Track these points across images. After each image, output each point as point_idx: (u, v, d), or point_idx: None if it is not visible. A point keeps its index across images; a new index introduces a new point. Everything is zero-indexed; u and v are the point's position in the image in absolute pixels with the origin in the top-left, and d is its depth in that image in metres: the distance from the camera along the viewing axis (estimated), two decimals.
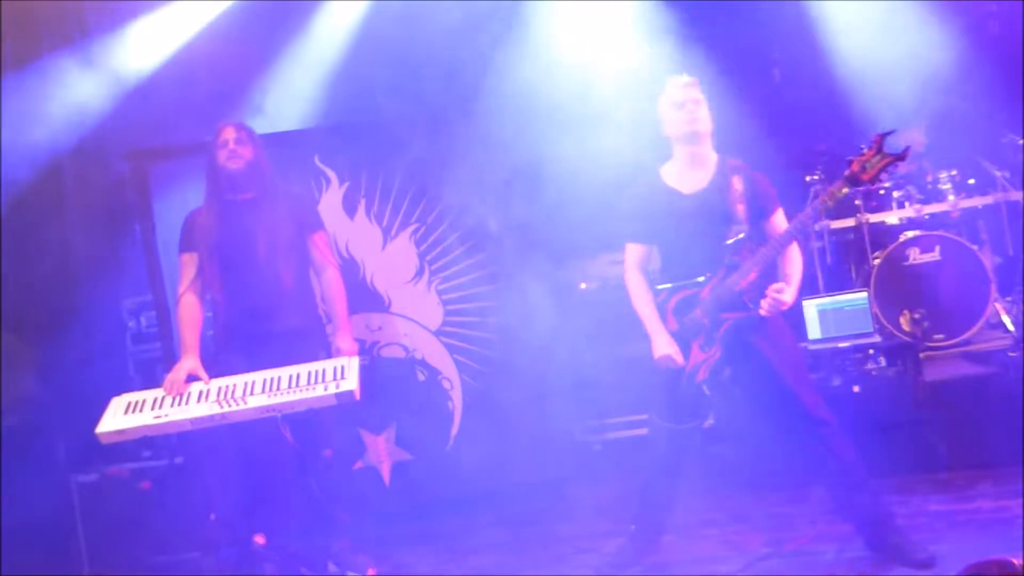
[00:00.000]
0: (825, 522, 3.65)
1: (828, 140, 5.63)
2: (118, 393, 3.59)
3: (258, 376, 3.47)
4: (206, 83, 5.20)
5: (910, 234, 5.21)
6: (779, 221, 3.36)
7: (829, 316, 4.71)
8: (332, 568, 3.88)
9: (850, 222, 5.56)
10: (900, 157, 3.12)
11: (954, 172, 5.41)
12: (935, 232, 5.18)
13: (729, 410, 4.56)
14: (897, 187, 5.45)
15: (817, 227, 5.35)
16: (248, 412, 3.35)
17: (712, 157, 3.40)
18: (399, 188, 4.72)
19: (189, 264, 3.73)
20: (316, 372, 3.46)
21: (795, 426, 3.28)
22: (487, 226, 4.69)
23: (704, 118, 3.34)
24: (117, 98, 5.14)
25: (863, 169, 3.14)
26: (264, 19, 5.38)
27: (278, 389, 3.40)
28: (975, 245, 5.18)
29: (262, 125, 5.20)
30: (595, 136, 4.69)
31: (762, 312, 3.21)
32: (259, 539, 3.73)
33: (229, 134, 3.70)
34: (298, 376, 3.44)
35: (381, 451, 4.67)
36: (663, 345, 3.32)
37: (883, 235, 5.45)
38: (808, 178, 5.62)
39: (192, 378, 3.55)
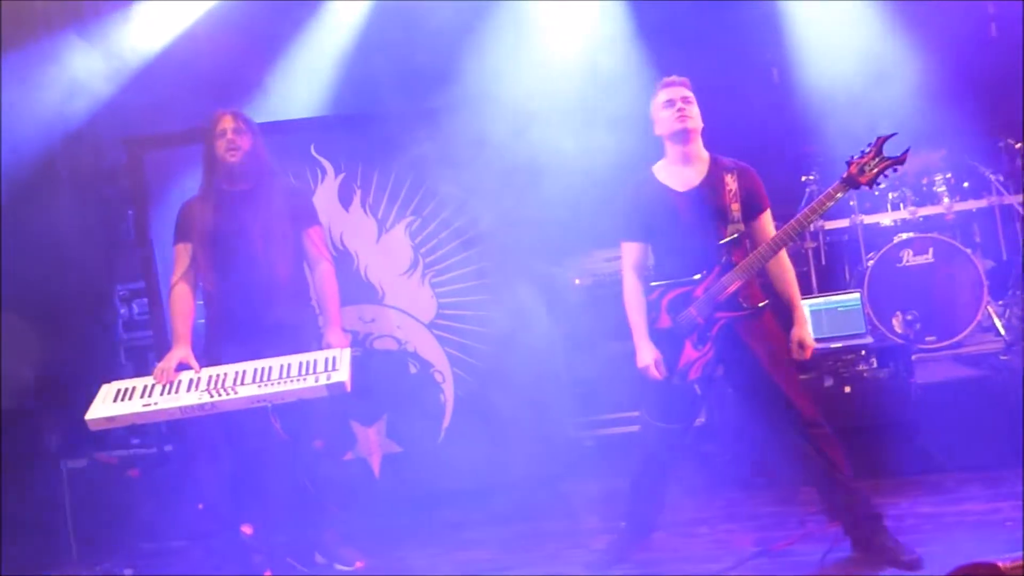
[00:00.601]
0: (814, 522, 3.65)
1: (824, 141, 5.64)
2: (109, 380, 3.57)
3: (249, 366, 3.46)
4: (205, 71, 5.19)
5: (904, 236, 5.22)
6: (766, 222, 3.37)
7: (822, 316, 4.72)
8: (319, 559, 3.88)
9: (844, 223, 5.58)
10: (899, 161, 3.12)
11: (949, 175, 5.42)
12: (929, 234, 5.20)
13: (721, 409, 4.57)
14: (892, 188, 5.46)
15: (811, 227, 5.35)
16: (238, 402, 3.34)
17: (704, 155, 3.41)
18: (395, 180, 4.71)
19: (183, 254, 3.70)
20: (307, 363, 3.45)
21: (786, 426, 3.28)
22: (482, 220, 4.68)
23: (694, 116, 3.35)
24: (114, 84, 5.12)
25: (861, 172, 3.13)
26: (266, 8, 5.36)
27: (269, 379, 3.39)
28: (968, 248, 5.19)
29: (260, 113, 5.22)
30: (591, 133, 4.68)
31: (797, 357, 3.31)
32: (247, 529, 3.73)
33: (227, 123, 3.65)
34: (289, 366, 3.43)
35: (372, 443, 4.67)
36: (646, 355, 3.35)
37: (877, 236, 5.47)
38: (804, 178, 5.63)
39: (183, 367, 3.54)
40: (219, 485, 3.71)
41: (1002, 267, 5.55)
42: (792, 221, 3.20)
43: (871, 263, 5.16)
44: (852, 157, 3.16)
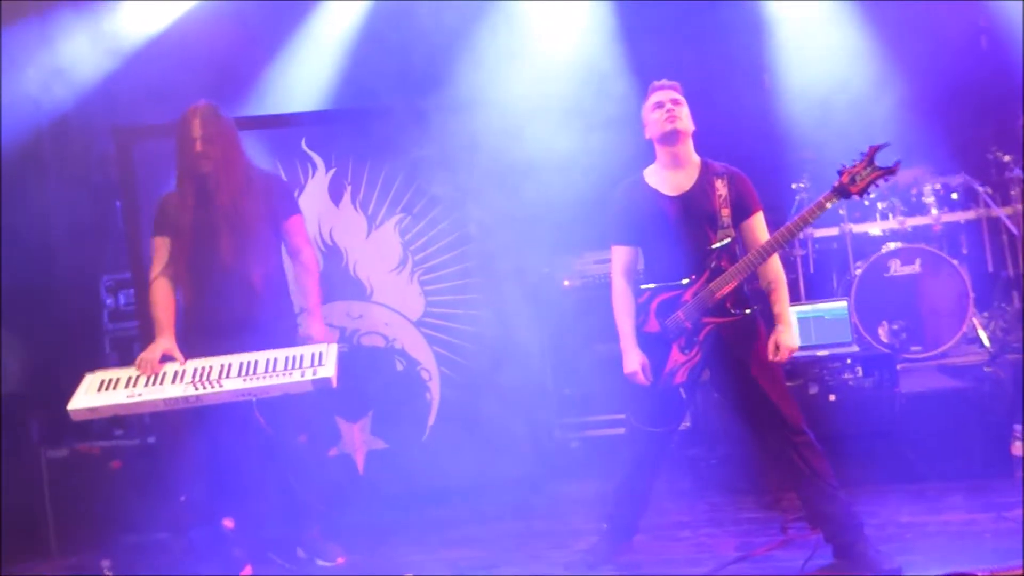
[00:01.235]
0: (796, 529, 3.67)
1: (815, 148, 5.66)
2: (93, 370, 3.55)
3: (234, 359, 3.44)
4: (198, 61, 5.14)
5: (892, 246, 5.25)
6: (757, 223, 3.37)
7: (809, 324, 4.74)
8: (301, 554, 3.86)
9: (833, 231, 5.60)
10: (890, 171, 3.13)
11: (938, 186, 5.46)
12: (917, 245, 5.23)
13: (706, 413, 4.58)
14: (881, 198, 5.49)
15: (800, 235, 5.38)
16: (223, 395, 3.33)
17: (694, 159, 3.41)
18: (386, 177, 4.70)
19: (161, 248, 3.66)
20: (293, 357, 3.44)
21: (770, 433, 3.29)
22: (472, 220, 4.67)
23: (684, 117, 3.35)
24: (105, 70, 5.08)
25: (852, 181, 3.14)
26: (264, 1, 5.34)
27: (254, 373, 3.37)
28: (956, 260, 5.22)
29: (252, 105, 5.20)
30: (583, 135, 4.69)
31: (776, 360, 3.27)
32: (228, 523, 3.71)
33: (196, 130, 3.55)
34: (275, 361, 3.42)
35: (356, 439, 4.65)
36: (632, 362, 3.35)
37: (866, 245, 5.49)
38: (794, 185, 5.65)
39: (167, 358, 3.51)
40: (201, 478, 3.69)
41: (988, 279, 5.59)
42: (782, 229, 3.21)
43: (859, 272, 5.18)
44: (843, 166, 3.17)
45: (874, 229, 5.50)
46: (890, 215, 5.47)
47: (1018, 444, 4.05)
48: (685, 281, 3.31)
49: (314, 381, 3.33)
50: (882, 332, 4.99)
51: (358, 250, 4.71)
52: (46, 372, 4.72)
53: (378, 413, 4.67)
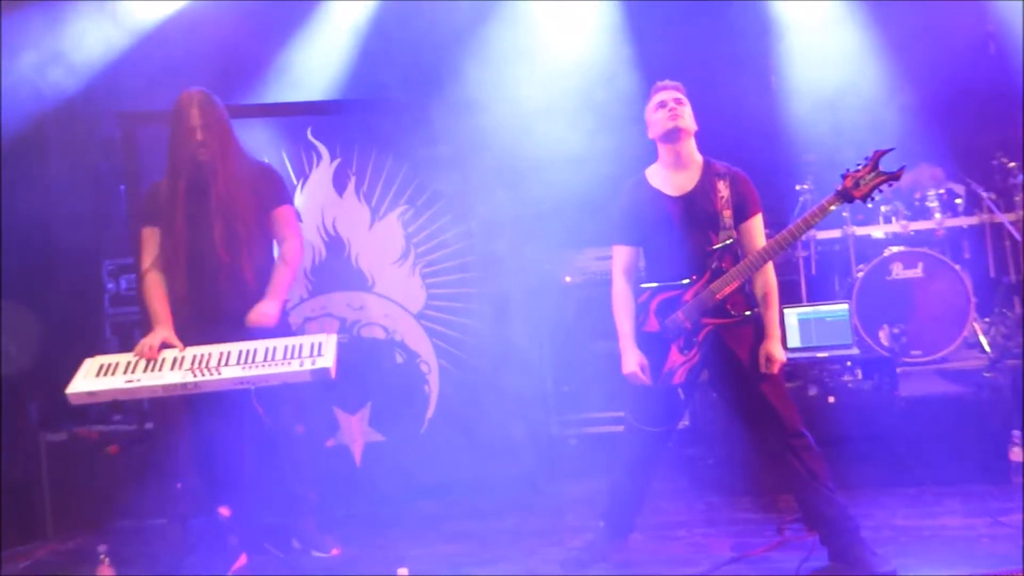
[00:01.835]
0: (792, 530, 3.67)
1: (819, 150, 5.65)
2: (93, 355, 3.54)
3: (234, 347, 3.43)
4: (206, 48, 5.13)
5: (894, 249, 5.25)
6: (755, 226, 3.36)
7: (810, 325, 4.73)
8: (296, 545, 3.87)
9: (836, 233, 5.60)
10: (895, 177, 3.12)
11: (942, 191, 5.45)
12: (919, 249, 5.22)
13: (704, 413, 4.58)
14: (885, 202, 5.48)
15: (803, 237, 5.37)
16: (221, 383, 3.32)
17: (697, 159, 3.40)
18: (390, 169, 4.70)
19: (151, 239, 3.62)
20: (293, 347, 3.43)
21: (768, 435, 3.29)
22: (475, 214, 4.67)
23: (686, 116, 3.34)
24: (112, 57, 5.06)
25: (856, 185, 3.14)
26: None
27: (253, 361, 3.37)
28: (958, 264, 5.22)
29: (259, 92, 5.19)
30: (587, 133, 4.69)
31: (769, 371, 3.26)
32: (224, 511, 3.71)
33: (195, 119, 3.50)
34: (274, 350, 3.41)
35: (354, 431, 4.66)
36: (631, 362, 3.34)
37: (868, 248, 5.49)
38: (798, 187, 5.64)
39: (166, 347, 3.50)
40: (198, 465, 3.69)
41: (990, 284, 5.59)
42: (784, 232, 3.20)
43: (861, 275, 5.18)
44: (848, 170, 3.16)
45: (877, 232, 5.50)
46: (893, 219, 5.46)
47: (1017, 450, 4.05)
48: (686, 281, 3.31)
49: (313, 371, 3.33)
50: (883, 335, 4.99)
51: (360, 241, 4.71)
52: (46, 356, 4.72)
53: (376, 405, 4.67)
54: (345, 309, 4.68)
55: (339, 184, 4.71)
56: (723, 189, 3.32)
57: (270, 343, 3.47)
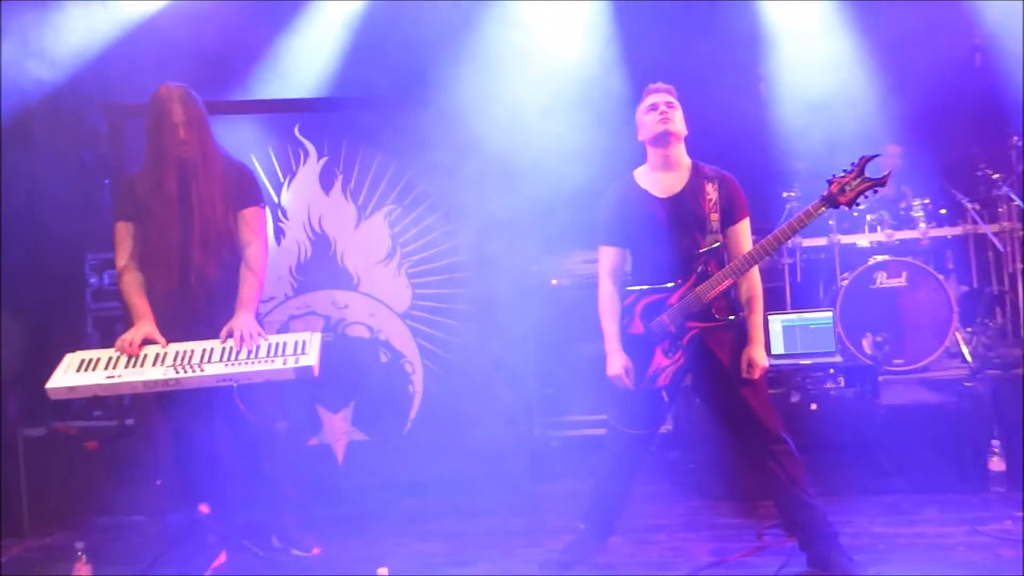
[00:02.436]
0: (771, 536, 3.68)
1: (807, 158, 5.68)
2: (75, 349, 3.51)
3: (216, 344, 3.42)
4: (195, 41, 5.10)
5: (879, 258, 5.29)
6: (742, 230, 3.37)
7: (794, 332, 4.75)
8: (276, 543, 3.85)
9: (822, 241, 5.63)
10: (880, 183, 3.14)
11: (927, 200, 5.49)
12: (903, 258, 5.26)
13: (687, 417, 4.59)
14: (870, 211, 5.52)
15: (789, 244, 5.41)
16: (203, 379, 3.30)
17: (685, 162, 3.41)
18: (378, 168, 4.68)
19: (125, 234, 3.56)
20: (276, 345, 3.41)
21: (750, 439, 3.30)
22: (462, 214, 4.67)
23: (676, 120, 3.35)
24: (100, 49, 5.03)
25: (842, 191, 3.15)
26: None
27: (236, 359, 3.35)
28: (941, 274, 5.26)
29: (246, 88, 5.17)
30: (577, 135, 4.69)
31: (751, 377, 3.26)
32: (204, 508, 3.69)
33: (177, 114, 3.44)
34: (257, 347, 3.40)
35: (337, 430, 4.64)
36: (615, 364, 3.35)
37: (853, 256, 5.53)
38: (785, 194, 5.67)
39: (148, 343, 3.47)
40: (178, 462, 3.66)
41: (972, 294, 5.63)
42: (770, 236, 3.21)
43: (845, 283, 5.21)
44: (833, 176, 3.18)
45: (862, 240, 5.53)
46: (878, 227, 5.50)
47: (996, 459, 4.09)
48: (671, 284, 3.32)
49: (296, 369, 3.31)
50: (866, 343, 5.02)
51: (347, 240, 4.70)
52: (27, 350, 4.68)
53: (360, 404, 4.65)
54: (330, 307, 4.67)
55: (326, 182, 4.70)
56: (711, 192, 3.32)
57: None
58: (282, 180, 4.68)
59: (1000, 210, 5.42)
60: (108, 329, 4.97)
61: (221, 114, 4.62)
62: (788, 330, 4.74)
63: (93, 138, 5.26)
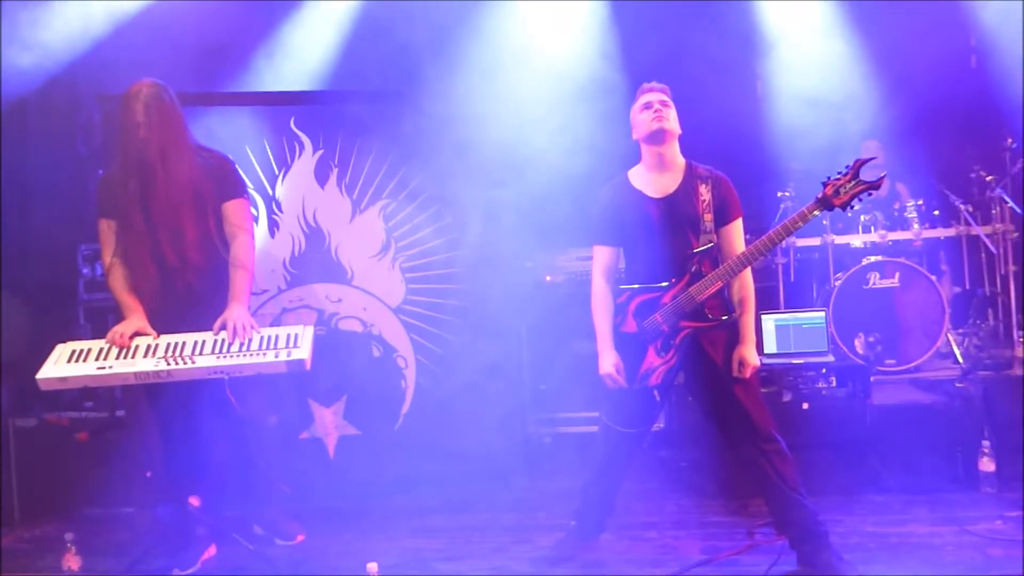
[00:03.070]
0: (762, 534, 3.69)
1: (802, 158, 5.69)
2: (66, 340, 3.50)
3: (208, 336, 3.41)
4: (191, 33, 5.08)
5: (872, 259, 5.30)
6: (735, 230, 3.37)
7: (786, 332, 4.76)
8: (258, 531, 3.84)
9: (816, 241, 5.64)
10: (874, 186, 3.14)
11: (920, 202, 5.50)
12: (897, 259, 5.28)
13: (679, 416, 4.60)
14: (864, 211, 5.53)
15: (782, 243, 5.41)
16: (194, 372, 3.30)
17: (680, 161, 3.41)
18: (373, 162, 4.68)
19: (108, 232, 3.55)
20: (268, 338, 3.41)
21: (741, 438, 3.31)
22: (457, 210, 4.66)
23: (671, 119, 3.35)
24: (95, 40, 5.01)
25: (836, 193, 3.15)
26: None
27: (227, 351, 3.34)
28: (934, 275, 5.27)
29: (243, 80, 5.15)
30: (572, 133, 4.69)
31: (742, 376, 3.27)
32: (194, 501, 3.68)
33: (139, 115, 3.39)
34: (249, 340, 3.39)
35: (329, 424, 4.64)
36: (607, 363, 3.35)
37: (846, 257, 5.54)
38: (780, 194, 5.68)
39: (139, 336, 3.45)
40: (169, 454, 3.65)
41: (965, 295, 5.65)
42: (764, 237, 3.21)
43: (838, 283, 5.22)
44: (828, 178, 3.18)
45: (856, 241, 5.55)
46: (872, 228, 5.51)
47: (986, 460, 4.10)
48: (665, 284, 3.32)
49: (288, 362, 3.31)
50: (858, 344, 5.03)
51: (341, 233, 4.69)
52: (18, 340, 4.66)
53: (352, 398, 4.65)
54: (323, 301, 4.66)
55: (321, 175, 4.69)
56: (705, 192, 3.33)
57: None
58: (277, 172, 4.67)
59: (993, 212, 5.44)
60: (100, 320, 4.94)
61: (217, 105, 4.61)
62: (781, 329, 4.75)
63: (87, 129, 5.23)
